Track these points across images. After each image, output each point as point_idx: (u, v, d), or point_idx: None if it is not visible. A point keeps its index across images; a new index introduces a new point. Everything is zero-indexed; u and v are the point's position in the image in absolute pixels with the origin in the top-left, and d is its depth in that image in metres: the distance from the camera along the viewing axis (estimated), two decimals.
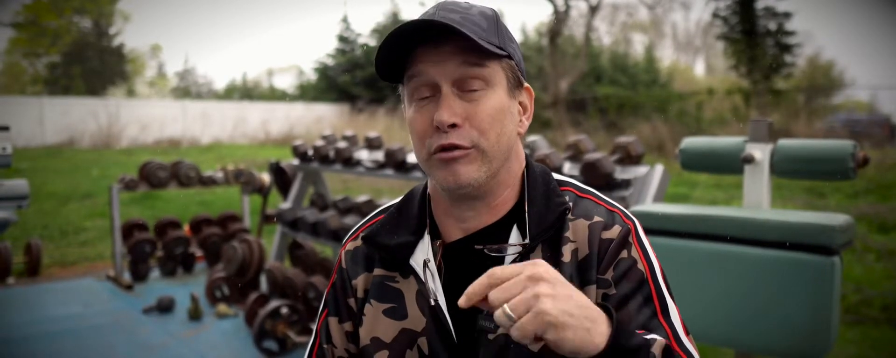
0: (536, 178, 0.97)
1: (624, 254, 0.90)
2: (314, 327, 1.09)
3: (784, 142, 2.15)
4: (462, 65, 0.87)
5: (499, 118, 0.89)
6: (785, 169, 2.12)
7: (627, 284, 0.88)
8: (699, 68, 42.16)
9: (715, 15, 19.30)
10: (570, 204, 0.93)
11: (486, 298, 0.73)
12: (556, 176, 0.99)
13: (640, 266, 0.90)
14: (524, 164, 0.98)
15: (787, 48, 18.58)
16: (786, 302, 1.82)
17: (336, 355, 1.03)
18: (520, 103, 0.96)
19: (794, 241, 1.80)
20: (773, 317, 1.85)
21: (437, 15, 0.88)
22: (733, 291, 1.94)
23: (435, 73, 0.88)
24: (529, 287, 0.71)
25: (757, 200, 2.15)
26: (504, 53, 0.90)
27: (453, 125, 0.87)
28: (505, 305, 0.70)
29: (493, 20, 0.92)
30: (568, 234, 0.91)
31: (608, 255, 0.89)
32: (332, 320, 1.04)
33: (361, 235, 1.02)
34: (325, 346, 1.05)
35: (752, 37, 18.16)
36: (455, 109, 0.87)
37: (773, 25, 18.41)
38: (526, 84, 0.97)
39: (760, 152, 2.13)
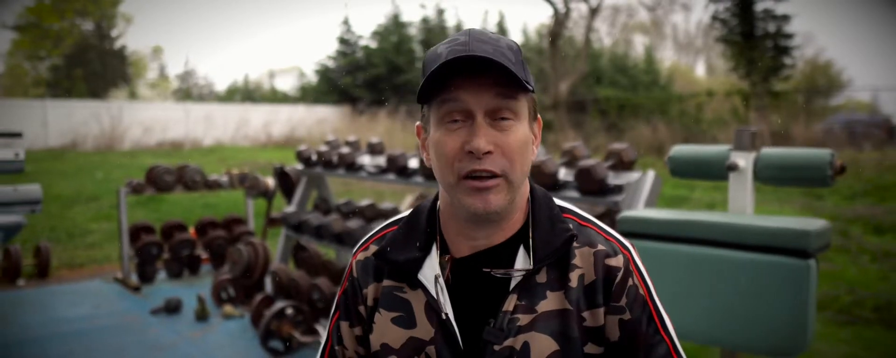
0: (540, 201, 1.06)
1: (630, 282, 1.01)
2: (326, 328, 1.19)
3: (767, 150, 2.26)
4: (497, 96, 0.94)
5: (524, 149, 0.97)
6: (767, 176, 2.23)
7: (637, 307, 1.00)
8: (700, 69, 42.27)
9: (714, 17, 19.42)
10: (575, 232, 1.03)
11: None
12: (557, 202, 1.08)
13: (642, 291, 1.02)
14: (529, 186, 1.07)
15: (785, 50, 18.69)
16: (766, 302, 1.93)
17: (347, 356, 1.13)
18: (533, 133, 1.03)
19: (773, 245, 1.91)
20: (755, 316, 1.96)
21: (473, 45, 0.94)
22: (718, 293, 2.05)
23: (471, 102, 0.94)
24: None
25: (741, 205, 2.26)
26: (531, 88, 0.97)
27: (487, 152, 0.94)
28: None
29: (518, 53, 0.98)
30: (575, 261, 1.01)
31: (618, 284, 1.00)
32: (344, 324, 1.13)
33: (374, 252, 1.10)
34: (336, 347, 1.14)
35: (750, 39, 18.26)
36: (489, 138, 0.94)
37: (772, 28, 18.51)
38: (538, 116, 1.05)
39: (744, 160, 2.24)
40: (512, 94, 0.95)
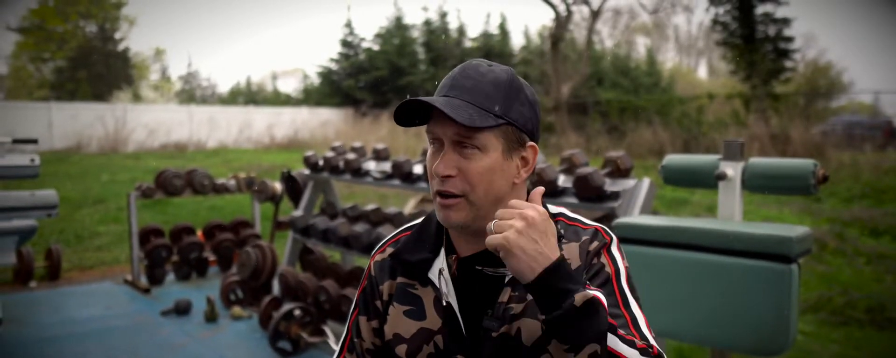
0: None
1: (596, 260, 1.15)
2: (346, 325, 1.34)
3: (754, 160, 2.38)
4: (458, 132, 1.08)
5: (487, 176, 1.10)
6: (754, 185, 2.35)
7: (596, 281, 1.13)
8: (702, 71, 42.38)
9: (715, 21, 19.54)
10: (563, 231, 1.17)
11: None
12: (550, 207, 1.22)
13: (607, 269, 1.15)
14: (526, 197, 1.20)
15: (785, 54, 18.81)
16: (751, 304, 2.05)
17: (364, 347, 1.28)
18: (522, 158, 1.15)
19: (757, 250, 2.03)
20: (741, 317, 2.08)
21: (456, 78, 1.10)
22: (707, 295, 2.17)
23: (440, 132, 1.10)
24: (514, 219, 0.99)
25: (730, 212, 2.38)
26: (499, 123, 1.09)
27: (448, 176, 1.09)
28: (494, 221, 1.01)
29: (504, 86, 1.09)
30: (563, 254, 1.14)
31: (591, 263, 1.15)
32: (362, 319, 1.29)
33: (390, 252, 1.27)
34: (355, 340, 1.30)
35: (751, 42, 18.38)
36: (450, 164, 1.08)
37: (772, 31, 18.63)
38: (530, 142, 1.15)
39: (732, 170, 2.36)
40: (470, 133, 1.08)
